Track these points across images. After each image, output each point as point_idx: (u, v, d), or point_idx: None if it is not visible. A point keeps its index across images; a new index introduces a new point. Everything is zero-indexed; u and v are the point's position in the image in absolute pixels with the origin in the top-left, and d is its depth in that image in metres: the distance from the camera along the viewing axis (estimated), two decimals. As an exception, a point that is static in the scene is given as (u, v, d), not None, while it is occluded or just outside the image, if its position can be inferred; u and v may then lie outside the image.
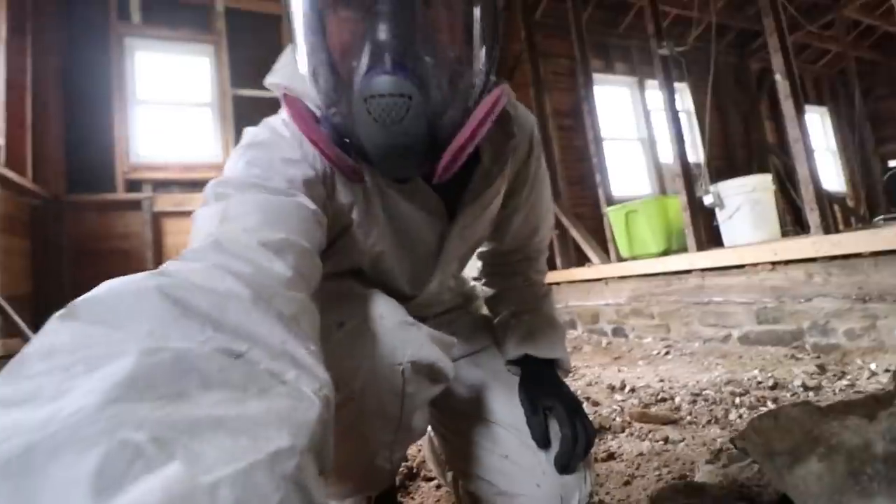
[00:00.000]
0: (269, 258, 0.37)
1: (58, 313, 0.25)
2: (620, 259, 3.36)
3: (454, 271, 0.80)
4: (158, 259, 3.01)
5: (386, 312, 0.57)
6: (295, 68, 0.55)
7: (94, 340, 0.23)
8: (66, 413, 0.19)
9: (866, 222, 4.68)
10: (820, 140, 6.28)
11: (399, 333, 0.56)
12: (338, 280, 0.66)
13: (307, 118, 0.50)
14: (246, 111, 3.45)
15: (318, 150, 0.50)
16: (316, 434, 0.25)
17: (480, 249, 0.88)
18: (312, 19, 0.50)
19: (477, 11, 0.51)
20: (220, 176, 0.50)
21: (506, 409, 0.73)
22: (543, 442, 0.68)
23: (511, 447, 0.69)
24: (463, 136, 0.50)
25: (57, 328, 0.25)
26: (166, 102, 3.40)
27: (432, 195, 0.63)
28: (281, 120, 0.56)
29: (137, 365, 0.21)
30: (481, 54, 0.52)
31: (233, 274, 0.32)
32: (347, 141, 0.52)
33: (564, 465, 0.65)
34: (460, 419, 0.76)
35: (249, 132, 0.56)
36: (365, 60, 0.47)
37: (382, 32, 0.46)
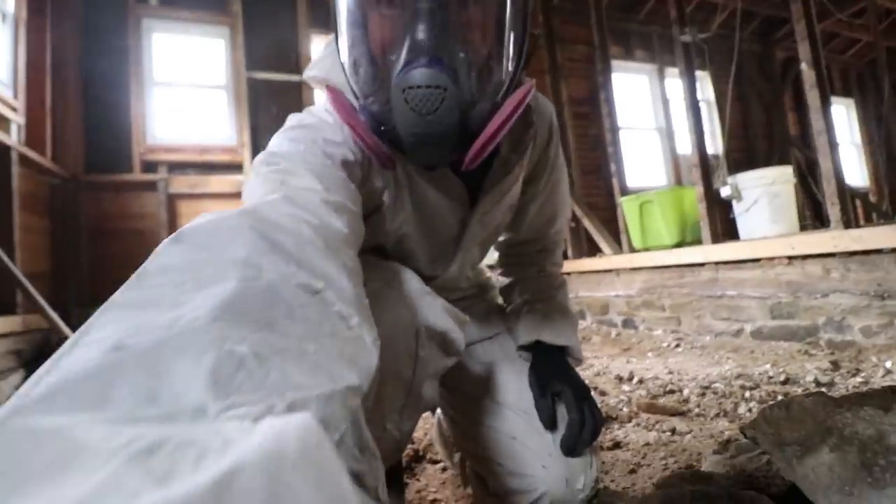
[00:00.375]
0: (331, 215, 0.40)
1: (167, 238, 0.30)
2: (633, 250, 3.33)
3: (474, 259, 0.82)
4: (173, 240, 3.06)
5: (405, 280, 0.60)
6: (332, 63, 0.59)
7: (200, 262, 0.28)
8: (184, 321, 0.23)
9: (888, 218, 4.56)
10: (844, 133, 6.10)
11: (416, 299, 0.59)
12: (362, 254, 0.68)
13: (348, 107, 0.53)
14: (260, 94, 3.46)
15: (357, 137, 0.53)
16: (372, 381, 0.28)
17: (498, 239, 0.90)
18: (356, 14, 0.53)
19: (508, 13, 0.54)
20: (265, 152, 0.53)
21: (515, 392, 0.75)
22: (550, 424, 0.69)
23: (519, 429, 0.71)
24: (492, 128, 0.52)
25: (168, 250, 0.29)
26: (183, 84, 3.41)
27: (457, 182, 0.66)
28: (324, 108, 0.59)
29: (237, 288, 0.25)
30: (511, 52, 0.55)
31: (306, 223, 0.35)
32: (383, 129, 0.54)
33: (570, 448, 0.66)
34: (470, 402, 0.78)
35: (295, 116, 0.60)
36: (403, 54, 0.49)
37: (421, 29, 0.49)
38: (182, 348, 0.21)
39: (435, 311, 0.59)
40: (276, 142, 0.54)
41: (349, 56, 0.55)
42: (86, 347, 0.22)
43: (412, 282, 0.61)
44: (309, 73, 0.65)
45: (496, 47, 0.54)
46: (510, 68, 0.56)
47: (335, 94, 0.54)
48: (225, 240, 0.29)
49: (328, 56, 0.61)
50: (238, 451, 0.16)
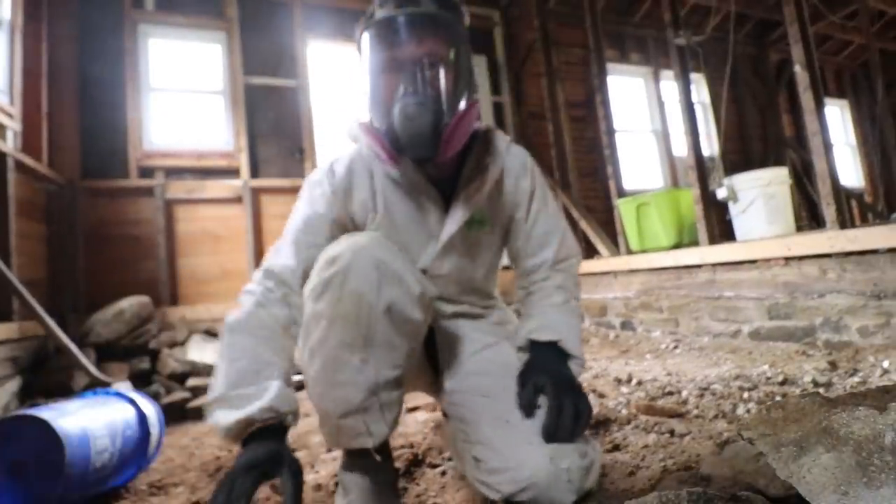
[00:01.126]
0: (293, 291, 0.84)
1: (225, 324, 0.80)
2: (630, 252, 3.33)
3: (467, 273, 0.96)
4: (171, 246, 3.04)
5: (379, 236, 0.84)
6: (355, 127, 0.92)
7: (232, 339, 0.80)
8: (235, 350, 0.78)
9: (884, 218, 4.58)
10: (839, 134, 6.14)
11: (382, 245, 0.80)
12: None
13: (374, 131, 0.85)
14: (257, 99, 3.46)
15: (377, 143, 0.84)
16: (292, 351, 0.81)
17: (516, 273, 1.06)
18: (375, 77, 0.86)
19: (457, 70, 0.85)
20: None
21: (509, 389, 0.84)
22: (527, 410, 0.78)
23: (513, 416, 0.80)
24: (453, 124, 0.81)
25: (223, 333, 0.80)
26: (179, 90, 3.41)
27: (433, 189, 0.90)
28: (332, 161, 0.95)
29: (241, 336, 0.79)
30: (461, 88, 0.86)
31: (266, 307, 0.82)
32: (389, 141, 0.83)
33: (550, 434, 0.73)
34: (472, 400, 0.87)
35: (315, 170, 0.97)
36: (400, 93, 0.80)
37: (408, 81, 0.81)
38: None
39: (396, 256, 0.79)
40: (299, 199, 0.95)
41: (371, 99, 0.87)
42: (218, 376, 0.76)
43: (383, 239, 0.82)
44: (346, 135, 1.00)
45: (451, 88, 0.84)
46: (462, 97, 0.86)
47: (366, 125, 0.87)
48: (236, 327, 0.80)
49: (353, 126, 0.95)
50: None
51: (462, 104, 0.85)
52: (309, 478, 1.21)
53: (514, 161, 0.97)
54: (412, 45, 0.82)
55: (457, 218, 0.90)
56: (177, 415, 2.04)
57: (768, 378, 1.64)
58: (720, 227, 2.98)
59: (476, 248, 0.96)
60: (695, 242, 2.92)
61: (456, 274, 0.95)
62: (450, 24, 0.85)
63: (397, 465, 1.17)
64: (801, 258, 2.14)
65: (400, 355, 0.80)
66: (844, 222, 2.21)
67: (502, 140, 0.98)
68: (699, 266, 2.62)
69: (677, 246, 3.08)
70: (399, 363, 0.81)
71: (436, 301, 0.94)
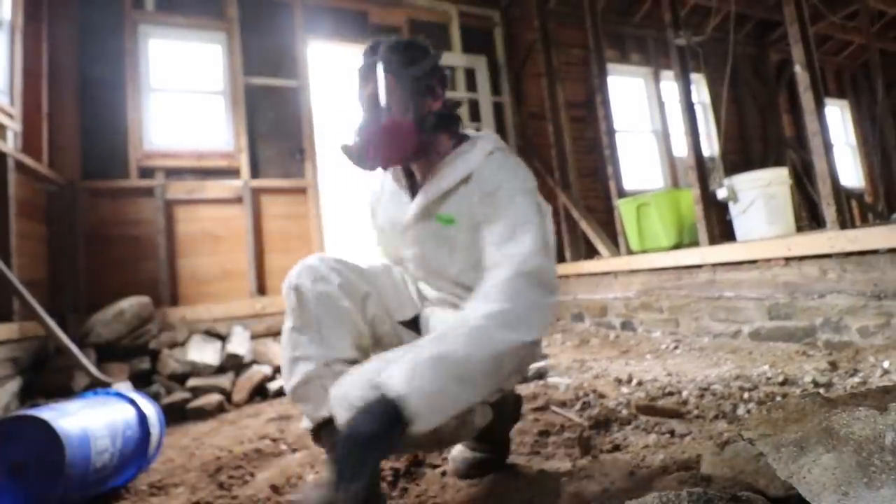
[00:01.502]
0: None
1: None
2: (630, 252, 3.33)
3: (433, 257, 1.06)
4: (171, 246, 3.04)
5: (327, 256, 1.04)
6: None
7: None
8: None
9: (884, 218, 4.58)
10: (839, 134, 6.14)
11: (324, 260, 1.00)
12: None
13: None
14: (258, 99, 3.46)
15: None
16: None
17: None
18: (356, 106, 1.09)
19: (399, 98, 1.03)
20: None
21: None
22: None
23: None
24: (376, 140, 1.00)
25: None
26: (180, 90, 3.41)
27: (404, 190, 1.13)
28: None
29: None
30: (404, 113, 1.03)
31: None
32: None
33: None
34: None
35: None
36: (361, 117, 1.06)
37: (364, 108, 1.06)
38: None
39: (331, 268, 0.99)
40: None
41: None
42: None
43: (331, 258, 1.02)
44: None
45: (397, 112, 1.02)
46: (409, 119, 1.03)
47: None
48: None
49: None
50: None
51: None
52: (309, 478, 1.21)
53: (489, 164, 1.00)
54: (368, 83, 1.05)
55: (411, 209, 1.07)
56: (177, 415, 2.04)
57: (768, 378, 1.64)
58: (720, 227, 2.98)
59: (445, 243, 1.04)
60: (695, 243, 2.92)
61: (422, 260, 1.09)
62: (396, 68, 1.03)
63: (397, 465, 1.18)
64: (801, 258, 2.14)
65: (347, 339, 0.94)
66: (844, 222, 2.21)
67: (485, 147, 1.03)
68: (699, 266, 2.62)
69: (677, 246, 3.08)
70: (348, 346, 0.94)
71: (420, 282, 1.13)
